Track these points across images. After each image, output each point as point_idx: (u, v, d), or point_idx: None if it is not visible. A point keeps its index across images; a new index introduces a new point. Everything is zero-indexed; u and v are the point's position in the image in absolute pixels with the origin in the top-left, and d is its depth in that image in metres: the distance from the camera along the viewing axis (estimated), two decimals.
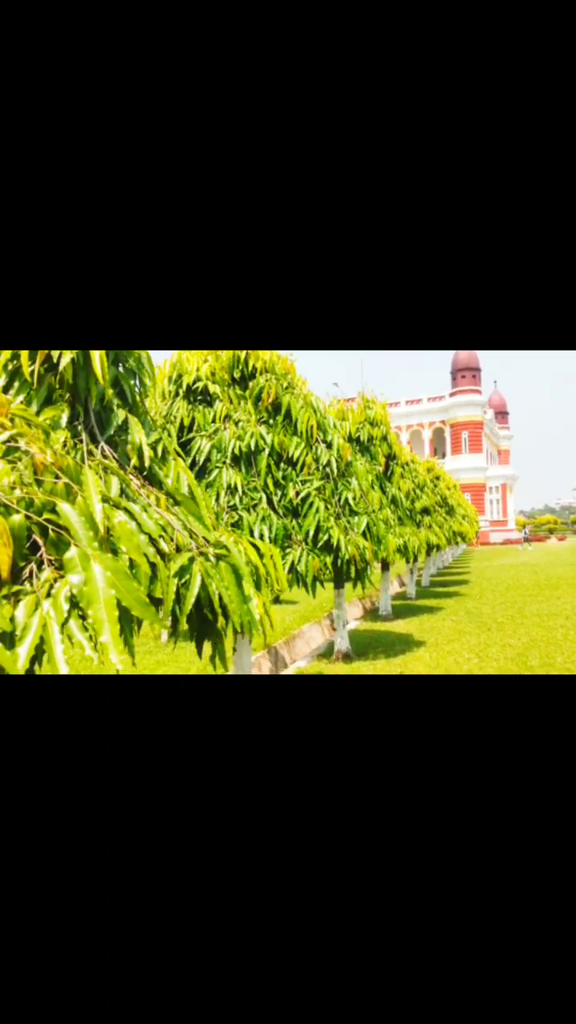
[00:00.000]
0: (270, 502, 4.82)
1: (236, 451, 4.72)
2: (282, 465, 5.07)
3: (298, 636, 8.47)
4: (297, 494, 5.02)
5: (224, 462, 4.68)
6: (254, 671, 6.47)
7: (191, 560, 1.55)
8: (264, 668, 7.13)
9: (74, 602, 1.16)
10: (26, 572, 1.21)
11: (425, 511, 11.69)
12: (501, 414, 60.08)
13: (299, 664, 7.59)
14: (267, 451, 4.85)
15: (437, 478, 15.03)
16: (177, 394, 4.99)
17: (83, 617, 1.15)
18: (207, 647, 2.35)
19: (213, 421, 4.84)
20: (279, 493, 4.91)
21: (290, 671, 7.28)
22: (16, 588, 1.16)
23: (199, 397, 5.01)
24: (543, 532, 51.21)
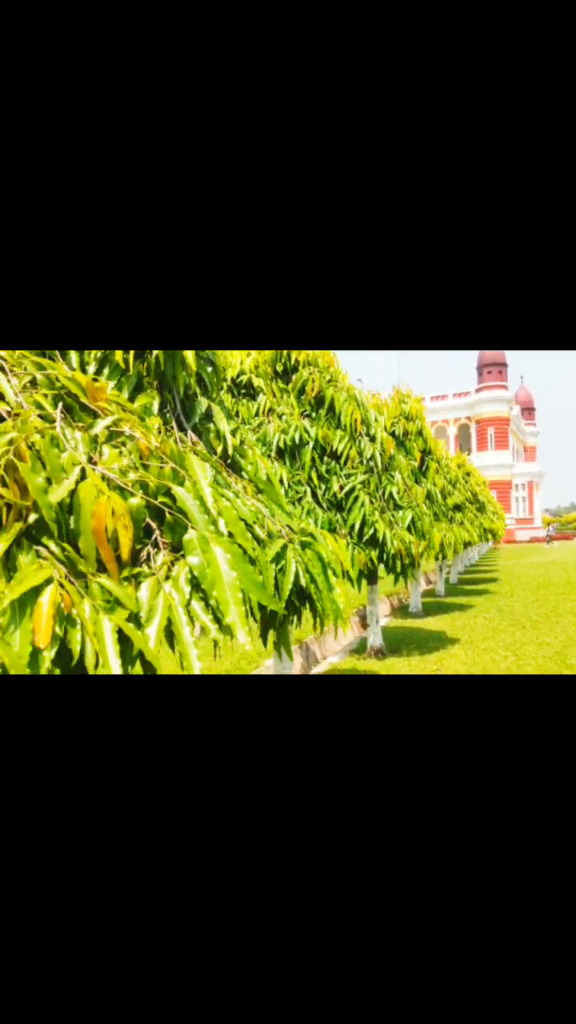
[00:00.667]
0: (315, 495, 4.82)
1: (280, 444, 4.72)
2: (326, 459, 5.06)
3: (328, 632, 8.47)
4: (341, 488, 5.01)
5: (269, 455, 4.69)
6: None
7: (284, 547, 1.56)
8: (296, 663, 7.14)
9: (193, 584, 1.17)
10: (143, 555, 1.22)
11: (457, 507, 11.59)
12: (528, 410, 59.24)
13: (332, 660, 7.58)
14: (311, 444, 4.85)
15: (468, 474, 14.89)
16: (221, 388, 5.01)
17: (203, 599, 1.16)
18: (271, 636, 2.35)
19: (257, 415, 4.84)
20: (323, 487, 4.91)
21: (323, 666, 7.28)
22: (136, 570, 1.18)
23: (243, 391, 5.02)
24: (569, 530, 50.44)
